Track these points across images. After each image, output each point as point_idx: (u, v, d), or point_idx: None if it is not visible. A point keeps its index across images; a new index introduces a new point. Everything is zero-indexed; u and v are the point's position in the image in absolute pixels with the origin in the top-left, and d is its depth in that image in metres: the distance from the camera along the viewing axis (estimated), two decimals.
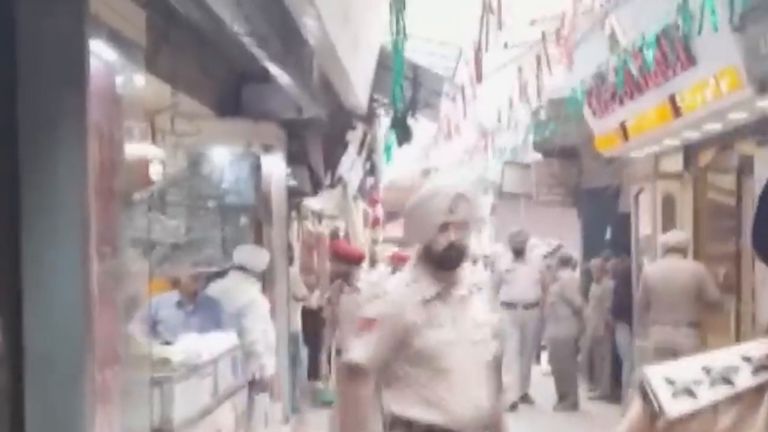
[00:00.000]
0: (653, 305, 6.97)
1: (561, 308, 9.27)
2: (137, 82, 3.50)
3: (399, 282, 3.20)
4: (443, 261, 3.00)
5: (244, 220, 6.74)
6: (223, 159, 6.64)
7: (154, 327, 5.15)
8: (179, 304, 5.58)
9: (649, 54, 6.96)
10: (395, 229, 24.29)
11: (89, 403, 2.89)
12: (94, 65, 2.97)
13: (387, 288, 3.25)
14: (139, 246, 3.90)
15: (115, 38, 3.16)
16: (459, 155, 14.30)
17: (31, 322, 2.87)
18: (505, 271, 9.45)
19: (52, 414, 2.89)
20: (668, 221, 8.86)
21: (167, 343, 4.49)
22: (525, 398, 9.33)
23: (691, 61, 6.48)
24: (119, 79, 3.27)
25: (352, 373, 3.04)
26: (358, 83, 6.49)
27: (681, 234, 7.11)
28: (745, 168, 8.47)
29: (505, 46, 5.75)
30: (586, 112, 9.19)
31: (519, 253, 9.51)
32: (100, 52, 3.05)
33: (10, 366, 2.88)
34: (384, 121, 10.53)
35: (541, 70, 7.14)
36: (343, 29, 5.57)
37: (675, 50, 6.57)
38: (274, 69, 5.33)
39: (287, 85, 5.90)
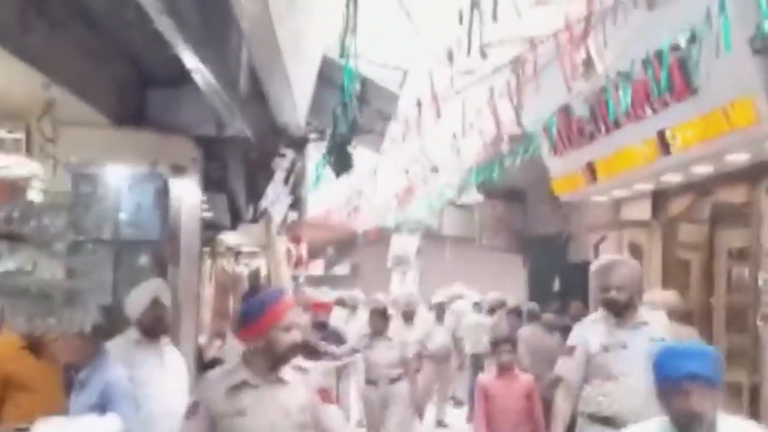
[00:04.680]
0: None
1: None
2: None
3: None
4: None
5: (143, 259, 5.36)
6: (119, 181, 5.28)
7: None
8: (66, 372, 4.30)
9: (634, 83, 6.00)
10: (314, 268, 23.12)
11: None
12: None
13: None
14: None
15: None
16: (395, 191, 13.12)
17: None
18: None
19: None
20: None
21: None
22: None
23: (690, 90, 5.51)
24: None
25: None
26: (298, 94, 5.25)
27: (671, 294, 6.06)
28: (718, 218, 7.63)
29: (483, 55, 4.70)
30: (545, 149, 8.19)
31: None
32: None
33: None
34: (313, 149, 9.27)
35: (514, 96, 6.08)
36: (287, 20, 4.34)
37: (670, 78, 5.59)
38: (192, 62, 4.04)
39: (208, 90, 4.60)
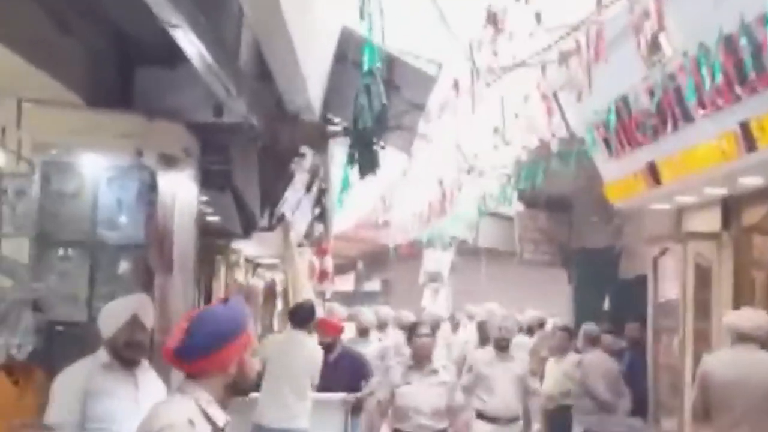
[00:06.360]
0: (715, 411, 4.88)
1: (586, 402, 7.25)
2: None
3: None
4: None
5: (125, 265, 4.51)
6: (97, 173, 4.46)
7: None
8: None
9: (714, 65, 5.03)
10: (344, 284, 22.23)
11: None
12: None
13: None
14: None
15: None
16: (428, 201, 12.16)
17: None
18: None
19: None
20: (701, 294, 6.89)
21: None
22: None
23: None
24: None
25: None
26: (311, 73, 4.38)
27: (760, 315, 5.05)
28: None
29: (537, 19, 3.84)
30: (598, 150, 7.22)
31: None
32: None
33: None
34: (337, 152, 8.35)
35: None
36: None
37: (759, 58, 4.63)
38: (183, 34, 3.21)
39: (200, 65, 3.75)
